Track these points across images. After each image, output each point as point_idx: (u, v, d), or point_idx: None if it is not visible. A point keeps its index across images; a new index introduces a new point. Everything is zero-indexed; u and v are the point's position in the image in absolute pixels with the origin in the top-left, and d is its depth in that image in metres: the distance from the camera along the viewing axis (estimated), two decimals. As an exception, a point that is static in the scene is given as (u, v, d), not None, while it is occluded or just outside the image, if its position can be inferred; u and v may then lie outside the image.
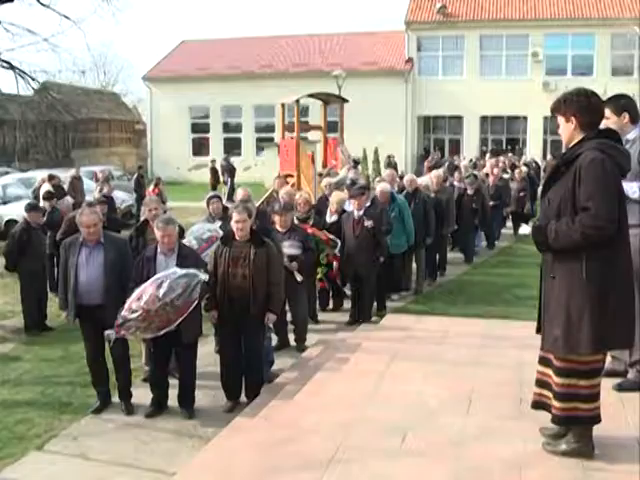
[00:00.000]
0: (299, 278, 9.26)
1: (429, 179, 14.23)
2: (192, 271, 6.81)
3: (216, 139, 44.16)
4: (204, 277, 6.86)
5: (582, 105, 4.71)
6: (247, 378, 7.50)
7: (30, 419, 7.10)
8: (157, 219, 7.36)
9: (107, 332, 6.71)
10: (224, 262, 7.34)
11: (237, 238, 7.42)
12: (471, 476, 4.94)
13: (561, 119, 4.82)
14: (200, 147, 44.47)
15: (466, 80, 39.59)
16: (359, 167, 21.20)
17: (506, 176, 19.12)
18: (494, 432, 5.60)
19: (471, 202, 15.03)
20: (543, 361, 5.11)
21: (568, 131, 4.79)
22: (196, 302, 6.79)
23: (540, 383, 5.17)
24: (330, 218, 11.17)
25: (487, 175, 18.41)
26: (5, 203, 21.12)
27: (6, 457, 6.22)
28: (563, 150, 5.18)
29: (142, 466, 5.99)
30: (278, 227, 9.35)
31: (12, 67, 19.18)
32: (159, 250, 7.24)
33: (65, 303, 7.44)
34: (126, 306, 6.61)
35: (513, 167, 21.20)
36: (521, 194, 18.55)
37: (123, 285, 7.18)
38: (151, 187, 21.55)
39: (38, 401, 7.66)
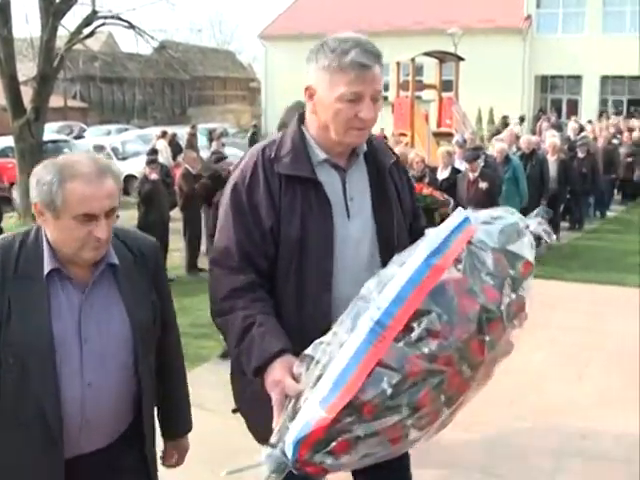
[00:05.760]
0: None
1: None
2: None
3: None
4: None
5: None
6: None
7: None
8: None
9: (269, 456, 2.00)
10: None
11: None
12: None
13: None
14: (314, 105, 44.53)
15: (587, 37, 38.20)
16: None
17: (615, 141, 18.34)
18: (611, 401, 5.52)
19: (581, 166, 14.53)
20: None
21: None
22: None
23: None
24: (441, 174, 11.03)
25: (595, 139, 17.63)
26: (124, 159, 21.68)
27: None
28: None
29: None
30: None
31: (132, 26, 19.56)
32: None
33: None
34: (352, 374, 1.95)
35: (629, 129, 20.28)
36: (629, 159, 17.58)
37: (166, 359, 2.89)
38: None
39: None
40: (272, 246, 2.52)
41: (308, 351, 2.09)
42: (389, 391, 1.90)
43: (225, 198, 2.62)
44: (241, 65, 59.22)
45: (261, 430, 2.77)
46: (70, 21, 20.28)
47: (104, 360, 2.54)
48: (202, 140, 24.30)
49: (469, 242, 2.10)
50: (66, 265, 2.52)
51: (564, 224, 14.54)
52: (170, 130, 22.36)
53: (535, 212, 2.30)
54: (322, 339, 2.07)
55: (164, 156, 18.09)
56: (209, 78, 49.54)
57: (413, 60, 18.45)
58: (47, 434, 2.45)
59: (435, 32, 35.40)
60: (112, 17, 19.17)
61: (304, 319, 2.49)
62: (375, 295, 2.05)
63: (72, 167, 2.42)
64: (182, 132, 23.39)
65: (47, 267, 2.48)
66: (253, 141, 24.47)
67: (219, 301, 2.50)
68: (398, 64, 19.58)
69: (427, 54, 19.90)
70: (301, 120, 2.66)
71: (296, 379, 2.10)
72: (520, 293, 2.13)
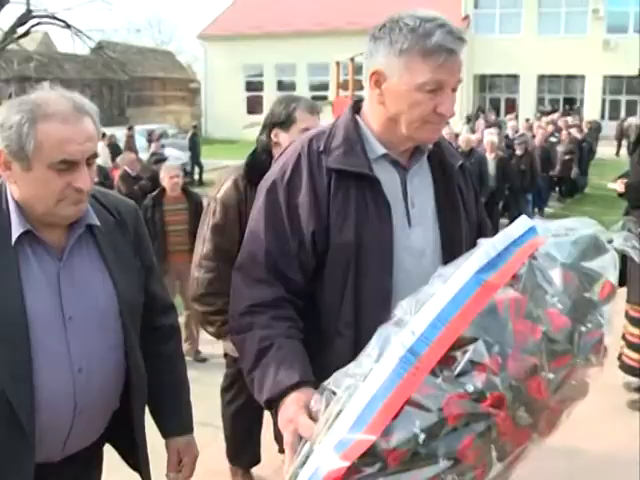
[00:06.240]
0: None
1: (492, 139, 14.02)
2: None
3: (270, 97, 43.99)
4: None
5: None
6: None
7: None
8: None
9: None
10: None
11: None
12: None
13: None
14: (255, 105, 44.45)
15: (523, 38, 38.75)
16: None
17: (554, 139, 18.63)
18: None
19: (519, 164, 14.69)
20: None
21: None
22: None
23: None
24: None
25: (533, 137, 17.74)
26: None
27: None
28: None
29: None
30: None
31: (68, 26, 19.31)
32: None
33: None
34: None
35: (568, 127, 20.66)
36: (567, 157, 17.88)
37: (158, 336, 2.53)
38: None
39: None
40: (312, 256, 2.12)
41: (328, 383, 1.67)
42: (421, 436, 1.47)
43: (259, 198, 2.22)
44: (180, 66, 58.73)
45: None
46: (3, 20, 19.98)
47: (92, 339, 2.17)
48: (141, 141, 24.02)
49: (532, 256, 1.66)
50: (37, 228, 2.11)
51: (503, 221, 14.63)
52: (109, 131, 22.07)
53: (620, 224, 1.80)
54: (346, 368, 1.67)
55: (102, 158, 17.88)
56: (148, 79, 49.01)
57: (352, 60, 18.47)
58: (16, 434, 2.03)
59: (374, 32, 35.48)
60: (47, 16, 18.93)
61: (361, 341, 1.89)
62: (408, 316, 1.63)
63: (45, 105, 2.02)
64: (121, 134, 23.11)
65: (16, 231, 2.06)
66: (193, 142, 24.26)
67: (237, 316, 2.11)
68: (338, 64, 19.61)
69: (366, 54, 19.99)
70: (355, 110, 2.28)
71: (314, 417, 1.71)
72: (598, 320, 1.65)
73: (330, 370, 1.74)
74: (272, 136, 3.72)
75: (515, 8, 39.57)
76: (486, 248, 1.68)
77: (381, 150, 2.16)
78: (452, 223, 2.25)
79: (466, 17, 39.75)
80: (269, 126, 3.75)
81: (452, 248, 2.19)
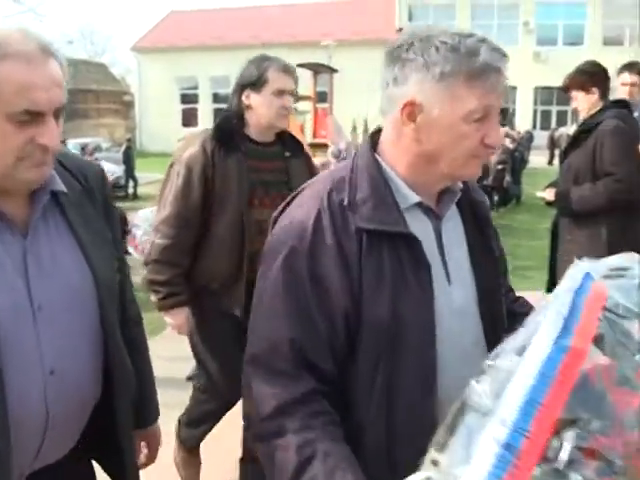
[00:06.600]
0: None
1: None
2: None
3: (205, 110, 43.86)
4: None
5: (601, 76, 4.89)
6: None
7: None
8: None
9: None
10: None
11: None
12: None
13: (578, 92, 4.92)
14: (190, 118, 44.19)
15: (457, 50, 39.31)
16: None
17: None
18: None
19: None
20: None
21: (589, 102, 4.88)
22: None
23: None
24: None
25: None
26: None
27: None
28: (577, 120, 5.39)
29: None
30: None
31: (-3, 37, 18.98)
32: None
33: None
34: None
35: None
36: (499, 167, 18.29)
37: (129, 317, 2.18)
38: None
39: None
40: (345, 339, 1.69)
41: None
42: None
43: (271, 267, 1.73)
44: (114, 78, 58.14)
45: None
46: None
47: (66, 330, 1.78)
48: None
49: (604, 308, 1.36)
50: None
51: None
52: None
53: None
54: (421, 475, 1.32)
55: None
56: (81, 91, 48.34)
57: (287, 72, 18.48)
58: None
59: (311, 44, 35.65)
60: (-25, 28, 18.51)
61: (395, 434, 1.69)
62: (489, 401, 1.31)
63: (5, 44, 1.63)
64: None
65: None
66: (127, 155, 24.00)
67: (262, 421, 1.65)
68: (273, 76, 19.57)
69: (301, 65, 19.89)
70: (372, 147, 1.86)
71: None
72: None
73: (365, 464, 1.55)
74: (243, 98, 3.59)
75: (448, 20, 40.05)
76: (557, 307, 1.38)
77: (413, 198, 1.78)
78: (490, 274, 1.91)
79: (400, 29, 40.05)
80: (239, 89, 3.61)
81: (491, 302, 1.89)
